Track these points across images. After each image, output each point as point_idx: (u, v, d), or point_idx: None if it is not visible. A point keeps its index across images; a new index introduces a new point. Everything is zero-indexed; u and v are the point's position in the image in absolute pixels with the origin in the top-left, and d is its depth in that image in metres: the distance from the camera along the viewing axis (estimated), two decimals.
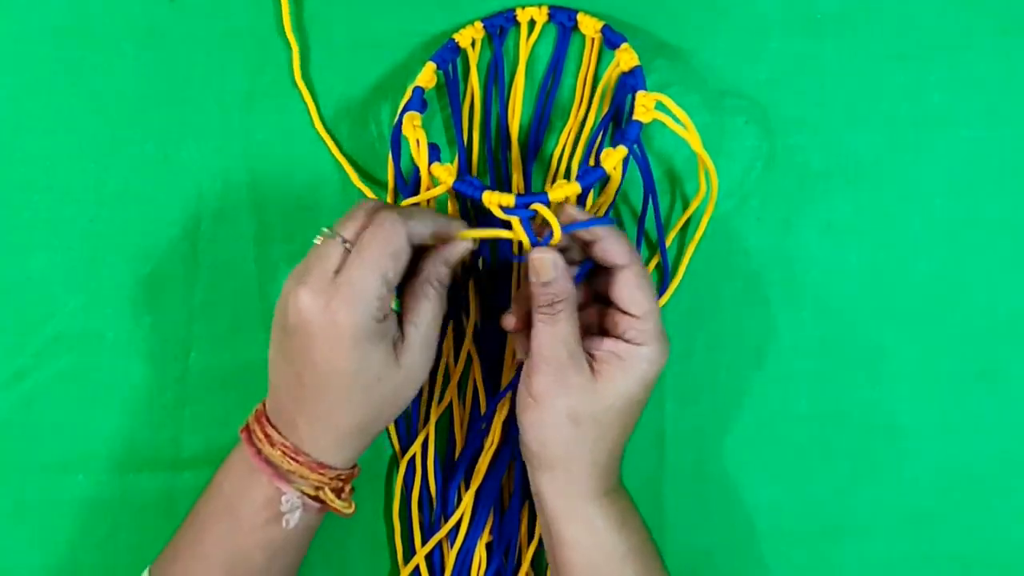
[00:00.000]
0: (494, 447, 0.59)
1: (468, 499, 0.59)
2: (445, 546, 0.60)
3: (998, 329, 0.60)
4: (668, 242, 0.61)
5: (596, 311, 0.56)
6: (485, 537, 0.60)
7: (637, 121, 0.55)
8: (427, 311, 0.52)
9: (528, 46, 0.61)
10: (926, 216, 0.60)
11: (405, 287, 0.54)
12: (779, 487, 0.61)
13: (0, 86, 0.62)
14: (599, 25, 0.59)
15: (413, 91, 0.58)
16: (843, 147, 0.61)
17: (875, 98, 0.61)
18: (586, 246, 0.54)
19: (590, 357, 0.53)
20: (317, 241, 0.51)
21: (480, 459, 0.60)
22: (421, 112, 0.58)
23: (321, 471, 0.51)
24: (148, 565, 0.55)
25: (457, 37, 0.60)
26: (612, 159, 0.54)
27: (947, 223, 0.60)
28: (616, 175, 0.57)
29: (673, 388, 0.61)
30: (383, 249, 0.49)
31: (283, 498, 0.51)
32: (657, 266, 0.61)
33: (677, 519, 0.61)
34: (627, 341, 0.52)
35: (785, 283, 0.61)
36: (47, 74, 0.62)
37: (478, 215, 0.60)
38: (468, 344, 0.60)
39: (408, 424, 0.61)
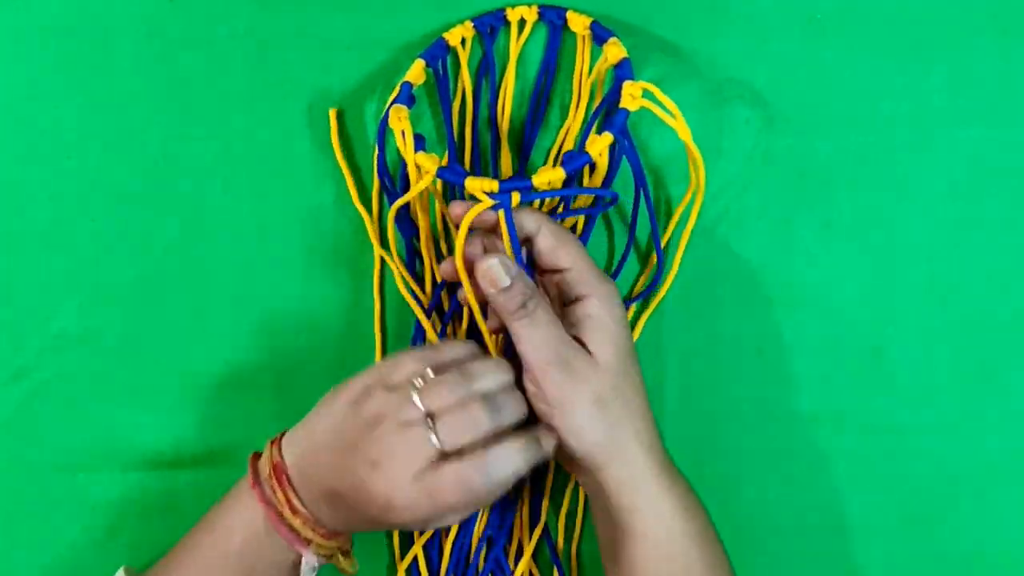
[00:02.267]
0: None
1: None
2: (442, 536, 0.60)
3: (998, 329, 0.60)
4: (664, 241, 0.61)
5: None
6: (480, 525, 0.59)
7: (623, 109, 0.55)
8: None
9: (519, 45, 0.61)
10: (926, 216, 0.60)
11: None
12: (779, 487, 0.61)
13: (0, 86, 0.62)
14: (588, 22, 0.59)
15: (401, 86, 0.58)
16: (843, 147, 0.61)
17: (875, 98, 0.61)
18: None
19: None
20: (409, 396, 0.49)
21: None
22: (409, 107, 0.58)
23: (336, 538, 0.52)
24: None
25: (447, 36, 0.60)
26: (597, 145, 0.54)
27: (947, 223, 0.60)
28: (602, 163, 0.57)
29: (673, 388, 0.61)
30: (479, 499, 0.49)
31: (304, 561, 0.51)
32: (647, 258, 0.61)
33: None
34: (579, 299, 0.52)
35: (785, 283, 0.61)
36: (47, 74, 0.62)
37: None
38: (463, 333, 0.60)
39: None
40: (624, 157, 0.58)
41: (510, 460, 0.49)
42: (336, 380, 0.62)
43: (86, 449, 0.62)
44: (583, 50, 0.60)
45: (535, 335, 0.51)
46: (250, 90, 0.62)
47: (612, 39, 0.58)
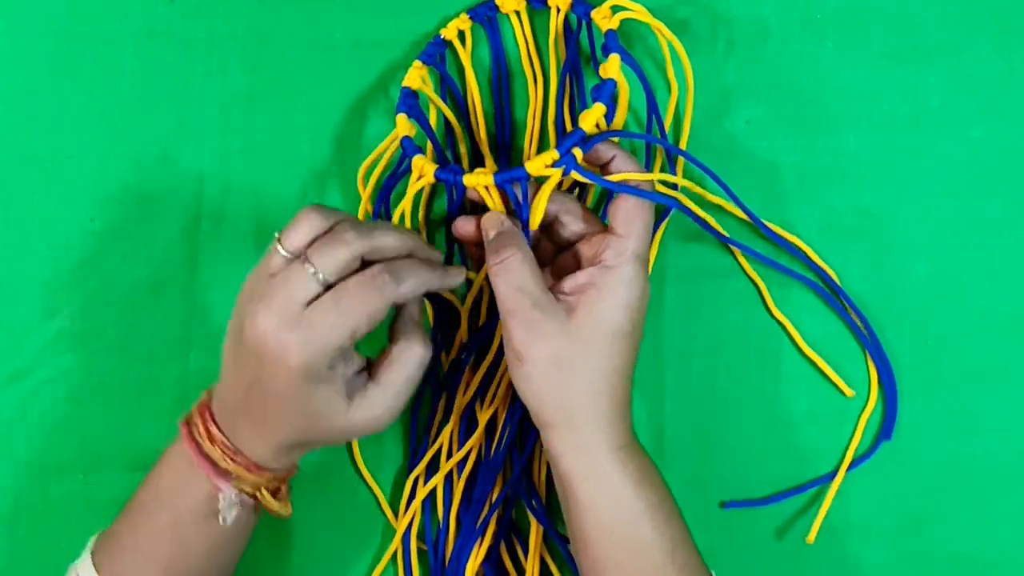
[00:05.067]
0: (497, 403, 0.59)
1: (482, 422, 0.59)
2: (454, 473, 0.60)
3: (998, 329, 0.60)
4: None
5: (573, 254, 0.54)
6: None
7: (609, 31, 0.55)
8: (401, 376, 0.51)
9: (467, 53, 0.61)
10: (926, 216, 0.60)
11: (390, 327, 0.53)
12: (778, 487, 0.61)
13: (0, 86, 0.62)
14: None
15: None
16: (843, 147, 0.61)
17: (875, 98, 0.61)
18: (604, 169, 0.53)
19: (565, 297, 0.52)
20: (276, 249, 0.49)
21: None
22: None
23: (258, 472, 0.51)
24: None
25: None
26: (611, 67, 0.54)
27: (947, 223, 0.60)
28: (623, 82, 0.56)
29: (673, 388, 0.61)
30: (362, 310, 0.48)
31: (220, 495, 0.50)
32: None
33: None
34: (601, 265, 0.51)
35: (785, 283, 0.61)
36: (47, 74, 0.62)
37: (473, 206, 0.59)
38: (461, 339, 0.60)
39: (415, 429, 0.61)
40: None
41: (412, 272, 0.49)
42: None
43: (86, 449, 0.62)
44: (524, 27, 0.61)
45: (504, 283, 0.51)
46: (250, 90, 0.62)
47: None
